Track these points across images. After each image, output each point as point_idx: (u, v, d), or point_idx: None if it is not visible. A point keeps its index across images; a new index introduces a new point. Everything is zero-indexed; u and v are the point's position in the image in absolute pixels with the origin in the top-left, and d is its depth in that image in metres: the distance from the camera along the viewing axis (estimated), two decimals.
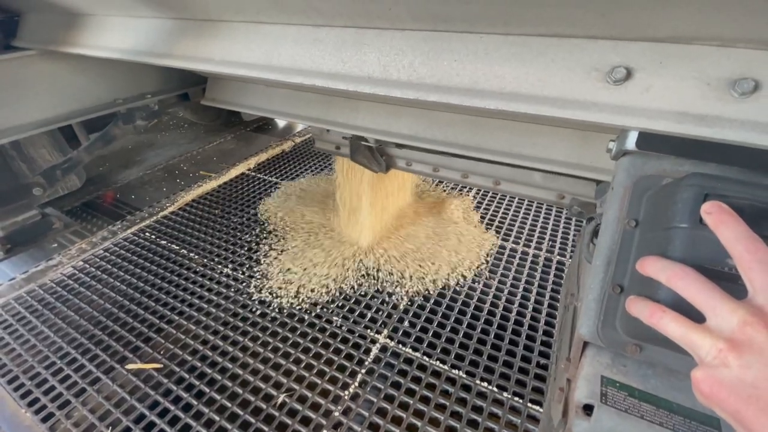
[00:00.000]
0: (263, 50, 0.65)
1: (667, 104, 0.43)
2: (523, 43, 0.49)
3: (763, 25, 0.40)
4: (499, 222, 1.74)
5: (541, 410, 1.01)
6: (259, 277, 1.44)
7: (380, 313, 1.30)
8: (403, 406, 1.02)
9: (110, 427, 1.00)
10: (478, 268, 1.49)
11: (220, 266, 1.50)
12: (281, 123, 2.94)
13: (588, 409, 0.42)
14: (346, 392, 1.06)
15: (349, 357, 1.16)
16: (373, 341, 1.20)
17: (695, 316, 0.34)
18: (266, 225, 1.73)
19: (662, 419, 0.40)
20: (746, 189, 0.37)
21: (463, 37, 0.51)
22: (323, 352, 1.17)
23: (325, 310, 1.31)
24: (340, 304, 1.33)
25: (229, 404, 1.03)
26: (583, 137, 0.81)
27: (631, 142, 0.47)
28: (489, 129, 0.90)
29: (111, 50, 0.85)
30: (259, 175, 2.16)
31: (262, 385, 1.08)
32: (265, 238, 1.65)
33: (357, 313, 1.29)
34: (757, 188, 0.37)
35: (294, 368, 1.12)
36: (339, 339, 1.21)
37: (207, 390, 1.07)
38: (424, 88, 0.53)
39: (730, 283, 0.34)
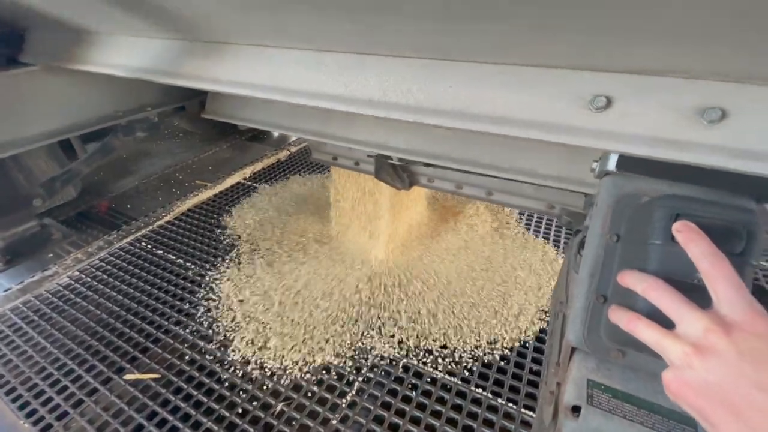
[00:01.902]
0: (268, 72, 0.69)
1: (643, 130, 0.48)
2: (513, 72, 0.53)
3: (727, 59, 0.44)
4: None
5: (533, 415, 1.04)
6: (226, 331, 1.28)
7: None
8: (400, 413, 1.04)
9: None
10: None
11: (217, 276, 1.51)
12: (276, 132, 2.97)
13: (576, 410, 0.46)
14: (344, 400, 1.08)
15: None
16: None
17: (668, 323, 0.38)
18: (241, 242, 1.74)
19: (643, 419, 0.43)
20: (712, 209, 0.41)
21: (458, 65, 0.55)
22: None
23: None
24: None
25: (227, 413, 1.05)
26: (571, 154, 0.85)
27: (612, 163, 0.51)
28: (482, 144, 0.94)
29: (117, 68, 0.88)
30: (255, 185, 2.18)
31: (260, 394, 1.09)
32: (240, 263, 1.66)
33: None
34: (722, 208, 0.41)
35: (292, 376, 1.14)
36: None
37: (205, 399, 1.08)
38: (421, 112, 0.57)
39: (698, 293, 0.38)
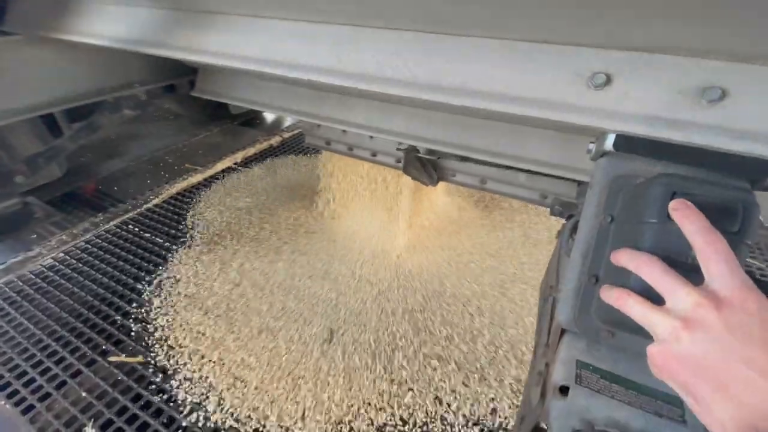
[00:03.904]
0: (260, 43, 0.66)
1: (643, 109, 0.47)
2: (512, 47, 0.51)
3: (730, 38, 0.43)
4: None
5: None
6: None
7: None
8: None
9: (92, 420, 0.98)
10: None
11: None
12: (269, 118, 2.92)
13: (564, 390, 0.45)
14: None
15: None
16: None
17: (660, 302, 0.38)
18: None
19: (630, 399, 0.43)
20: (708, 188, 0.41)
21: (456, 39, 0.53)
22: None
23: None
24: None
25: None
26: (566, 139, 0.84)
27: (608, 143, 0.50)
28: (479, 129, 0.93)
29: (103, 38, 0.84)
30: (245, 169, 2.15)
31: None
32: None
33: None
34: (719, 187, 0.41)
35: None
36: None
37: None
38: (417, 87, 0.55)
39: (691, 272, 0.37)
